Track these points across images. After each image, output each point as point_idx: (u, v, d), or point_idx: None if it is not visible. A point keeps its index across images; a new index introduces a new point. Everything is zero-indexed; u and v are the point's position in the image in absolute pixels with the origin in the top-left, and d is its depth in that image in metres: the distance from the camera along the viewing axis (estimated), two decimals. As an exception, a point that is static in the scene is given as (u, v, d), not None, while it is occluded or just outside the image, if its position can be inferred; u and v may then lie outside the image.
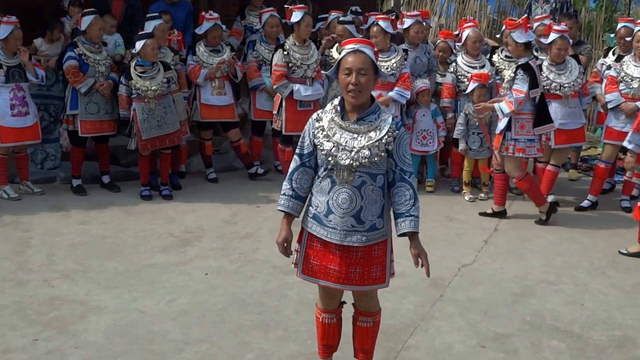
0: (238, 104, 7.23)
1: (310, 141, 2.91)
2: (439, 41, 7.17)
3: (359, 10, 7.82)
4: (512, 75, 5.61)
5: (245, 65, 6.91)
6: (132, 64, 6.02)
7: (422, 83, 6.69)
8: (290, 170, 2.97)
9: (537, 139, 5.69)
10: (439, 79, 6.97)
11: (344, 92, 2.81)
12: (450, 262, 4.85)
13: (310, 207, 2.97)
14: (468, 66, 6.64)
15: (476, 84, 6.33)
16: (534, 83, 5.55)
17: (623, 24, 6.82)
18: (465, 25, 6.76)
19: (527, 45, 5.61)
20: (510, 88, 5.61)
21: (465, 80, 6.57)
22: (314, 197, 2.94)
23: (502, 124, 5.68)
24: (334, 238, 2.88)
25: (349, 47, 2.82)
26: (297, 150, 2.95)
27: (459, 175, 6.85)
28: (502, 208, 6.00)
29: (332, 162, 2.83)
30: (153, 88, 5.95)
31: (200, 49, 6.68)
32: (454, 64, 6.76)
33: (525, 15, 8.05)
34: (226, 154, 7.58)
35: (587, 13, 11.35)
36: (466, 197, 6.59)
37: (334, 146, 2.82)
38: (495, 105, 5.67)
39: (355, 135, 2.82)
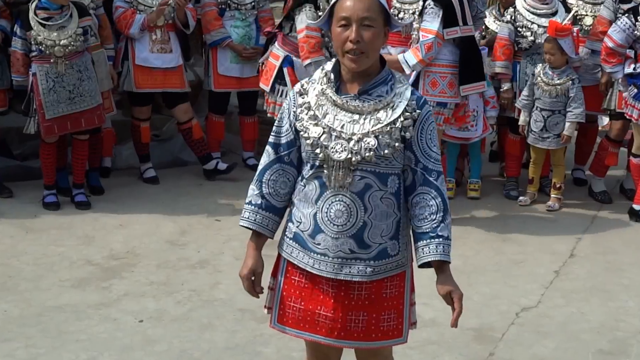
0: (189, 66, 7.22)
1: (290, 125, 2.91)
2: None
3: None
4: (420, 9, 5.74)
5: (199, 9, 6.91)
6: (32, 6, 6.01)
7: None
8: (260, 167, 2.96)
9: (452, 104, 5.82)
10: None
11: (340, 53, 2.80)
12: (504, 304, 4.86)
13: (290, 224, 2.96)
14: (533, 13, 6.66)
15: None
16: (451, 19, 5.64)
17: None
18: None
19: None
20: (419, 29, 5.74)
21: (529, 33, 6.60)
22: (295, 208, 2.94)
23: (410, 80, 5.77)
24: (325, 269, 2.87)
25: (345, -16, 2.82)
26: (270, 139, 2.95)
27: (516, 174, 6.88)
28: None
29: (321, 156, 2.82)
30: (63, 42, 5.94)
31: (134, -16, 6.70)
32: (510, 9, 6.77)
33: None
34: (171, 142, 7.59)
35: None
36: (520, 198, 6.66)
37: (324, 132, 2.81)
38: (400, 56, 5.75)
39: (356, 117, 2.81)
